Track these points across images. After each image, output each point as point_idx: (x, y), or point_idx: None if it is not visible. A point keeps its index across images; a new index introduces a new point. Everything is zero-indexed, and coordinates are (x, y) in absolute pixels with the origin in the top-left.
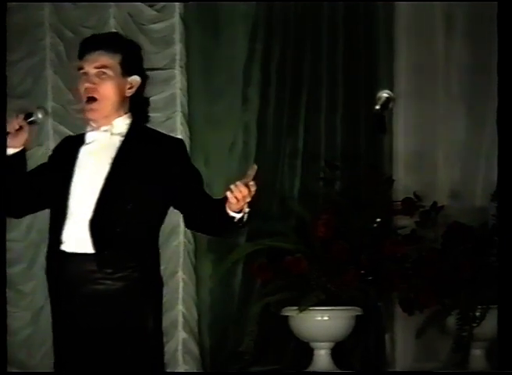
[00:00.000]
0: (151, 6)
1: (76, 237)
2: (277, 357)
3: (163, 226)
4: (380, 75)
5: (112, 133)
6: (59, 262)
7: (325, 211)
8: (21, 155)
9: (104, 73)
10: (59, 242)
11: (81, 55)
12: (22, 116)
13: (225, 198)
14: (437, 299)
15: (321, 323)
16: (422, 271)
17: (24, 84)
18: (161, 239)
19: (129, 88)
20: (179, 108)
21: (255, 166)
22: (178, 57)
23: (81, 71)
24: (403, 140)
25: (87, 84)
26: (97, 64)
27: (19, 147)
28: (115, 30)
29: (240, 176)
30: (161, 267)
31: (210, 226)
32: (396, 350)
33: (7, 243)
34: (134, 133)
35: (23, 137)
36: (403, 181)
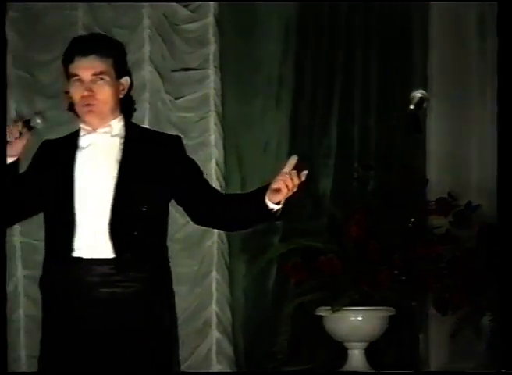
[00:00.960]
0: (185, 6)
1: (92, 243)
2: (310, 357)
3: (196, 227)
4: (414, 74)
5: (112, 135)
6: (72, 268)
7: (358, 211)
8: (16, 165)
9: (100, 78)
10: (70, 249)
11: (70, 60)
12: (21, 124)
13: (263, 190)
14: (470, 299)
15: (355, 323)
16: (456, 271)
17: (57, 84)
18: (194, 239)
19: (122, 90)
20: (212, 108)
21: (295, 157)
22: (212, 57)
23: (75, 77)
24: (436, 139)
25: (85, 93)
26: (93, 71)
27: (15, 156)
28: (148, 30)
29: (273, 177)
30: (195, 267)
31: (223, 221)
32: (430, 350)
33: (35, 243)
34: (132, 133)
35: (21, 144)
36: (437, 181)
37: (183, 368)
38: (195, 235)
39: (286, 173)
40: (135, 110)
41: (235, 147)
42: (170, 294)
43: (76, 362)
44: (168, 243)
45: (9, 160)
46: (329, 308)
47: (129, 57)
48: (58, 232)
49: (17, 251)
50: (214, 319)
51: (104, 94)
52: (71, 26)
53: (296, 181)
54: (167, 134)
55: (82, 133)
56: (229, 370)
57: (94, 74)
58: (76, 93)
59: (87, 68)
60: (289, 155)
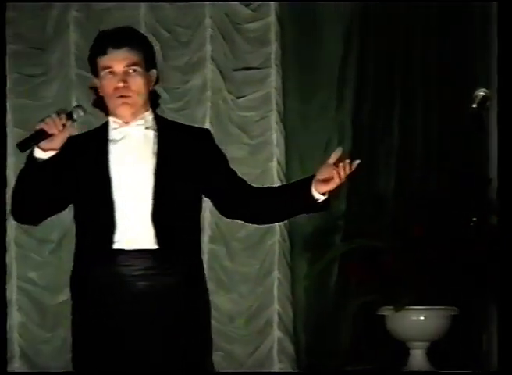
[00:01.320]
0: (246, 5)
1: (133, 235)
2: (372, 356)
3: (257, 226)
4: (476, 73)
5: (145, 128)
6: (113, 261)
7: (421, 210)
8: (54, 159)
9: (133, 70)
10: (111, 242)
11: (102, 53)
12: (64, 116)
13: (307, 180)
14: None
15: (417, 323)
16: None
17: None
18: (256, 238)
19: (151, 82)
20: (274, 107)
21: (341, 148)
22: (273, 56)
23: (108, 70)
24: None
25: (120, 84)
26: (127, 62)
27: (56, 149)
28: (210, 30)
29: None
30: (257, 266)
31: (255, 213)
32: (494, 350)
33: None
34: (163, 126)
35: (63, 138)
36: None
37: (244, 367)
38: (256, 234)
39: (333, 164)
40: (159, 105)
41: (296, 146)
42: (206, 291)
43: (111, 355)
44: (230, 242)
45: (50, 154)
46: (391, 307)
47: (190, 56)
48: (97, 225)
49: None
50: (275, 319)
51: (139, 85)
52: (134, 26)
53: (348, 171)
54: (196, 127)
55: (113, 126)
56: (290, 370)
57: (128, 66)
58: (109, 85)
59: (120, 60)
60: (350, 155)
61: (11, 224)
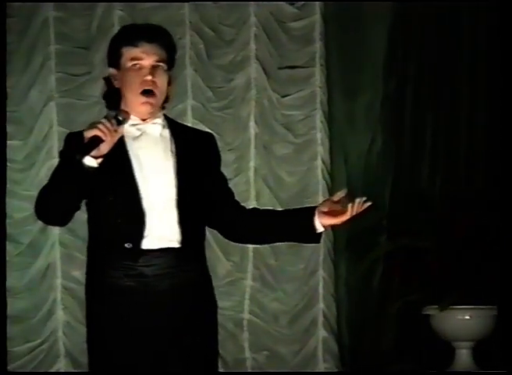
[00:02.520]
0: (291, 4)
1: (159, 234)
2: (417, 356)
3: None
4: None
5: (163, 126)
6: (131, 260)
7: (465, 210)
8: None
9: (160, 66)
10: (139, 241)
11: (132, 45)
12: (115, 121)
13: (311, 211)
14: None
15: (462, 322)
16: None
17: None
18: None
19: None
20: (318, 105)
21: (345, 190)
22: (318, 55)
23: (136, 62)
24: None
25: (148, 77)
26: (157, 58)
27: (104, 156)
28: (255, 28)
29: (379, 175)
30: (302, 266)
31: (241, 231)
32: None
33: None
34: (173, 125)
35: (113, 142)
36: None
37: (289, 367)
38: None
39: (361, 201)
40: (164, 107)
41: (340, 145)
42: (213, 291)
43: (131, 356)
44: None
45: (99, 161)
46: (436, 307)
47: (235, 54)
48: (124, 223)
49: None
50: (320, 318)
51: (163, 82)
52: (178, 25)
53: (360, 210)
54: (203, 131)
55: (130, 121)
56: (335, 369)
57: (157, 61)
58: (136, 78)
59: (152, 54)
60: (395, 154)
61: None
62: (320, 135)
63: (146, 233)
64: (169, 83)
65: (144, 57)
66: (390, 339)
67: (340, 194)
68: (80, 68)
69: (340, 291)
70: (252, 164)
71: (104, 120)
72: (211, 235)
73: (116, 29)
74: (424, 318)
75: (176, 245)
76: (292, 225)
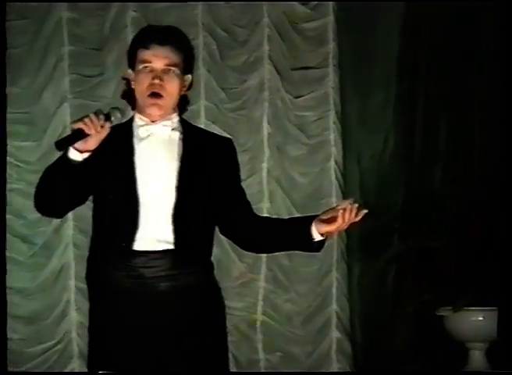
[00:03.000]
0: (304, 5)
1: (153, 236)
2: (431, 357)
3: None
4: None
5: (172, 129)
6: (132, 260)
7: (479, 211)
8: (88, 160)
9: (171, 70)
10: (132, 241)
11: (144, 46)
12: (103, 117)
13: (309, 218)
14: None
15: (476, 323)
16: None
17: None
18: None
19: (184, 86)
20: (332, 106)
21: (351, 200)
22: (331, 55)
23: (146, 64)
24: None
25: (156, 81)
26: (167, 61)
27: (91, 150)
28: (268, 29)
29: (392, 176)
30: (315, 266)
31: (251, 238)
32: None
33: None
34: (188, 129)
35: (99, 139)
36: None
37: (303, 367)
38: None
39: (353, 206)
40: (187, 110)
41: (354, 145)
42: (219, 292)
43: (130, 357)
44: None
45: (85, 155)
46: (450, 308)
47: (248, 55)
48: (119, 222)
49: None
50: (334, 319)
51: (173, 86)
52: (191, 26)
53: (353, 216)
54: (221, 136)
55: (139, 123)
56: (348, 370)
57: (167, 64)
58: (144, 80)
59: (161, 57)
60: (407, 155)
61: (67, 224)
62: (333, 136)
63: (139, 234)
64: (189, 87)
65: (154, 60)
66: (403, 340)
67: (344, 204)
68: (94, 69)
69: (354, 291)
70: (265, 165)
71: (92, 115)
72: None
73: (129, 30)
74: (437, 319)
75: (170, 247)
76: (291, 233)
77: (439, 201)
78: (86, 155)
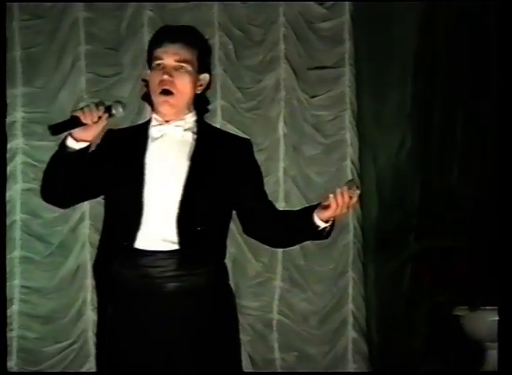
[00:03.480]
0: (320, 4)
1: (156, 235)
2: (447, 357)
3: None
4: None
5: (184, 129)
6: (132, 259)
7: (493, 211)
8: (87, 150)
9: (182, 67)
10: (133, 240)
11: (157, 45)
12: (102, 108)
13: (314, 207)
14: None
15: (493, 323)
16: None
17: None
18: (330, 238)
19: (200, 86)
20: (348, 106)
21: (353, 180)
22: (347, 55)
23: (158, 61)
24: None
25: (165, 77)
26: (178, 57)
27: (88, 141)
28: (284, 29)
29: (408, 175)
30: (331, 266)
31: (272, 235)
32: None
33: None
34: (204, 130)
35: (96, 130)
36: None
37: (319, 367)
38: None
39: (341, 189)
40: (208, 111)
41: (370, 145)
42: (230, 294)
43: (137, 357)
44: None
45: (81, 145)
46: (466, 307)
47: (264, 55)
48: (123, 220)
49: None
50: (350, 319)
51: (184, 83)
52: (207, 26)
53: (347, 199)
54: (238, 136)
55: (154, 123)
56: (364, 370)
57: (178, 61)
58: (156, 78)
59: (172, 53)
60: (424, 154)
61: (84, 224)
62: (349, 135)
63: (142, 233)
64: (208, 87)
65: (165, 57)
66: (420, 340)
67: (345, 186)
68: (110, 69)
69: (370, 291)
70: (281, 165)
71: (92, 104)
72: (241, 237)
73: (146, 30)
74: (453, 318)
75: (173, 249)
76: (298, 224)
77: (455, 200)
78: (83, 144)
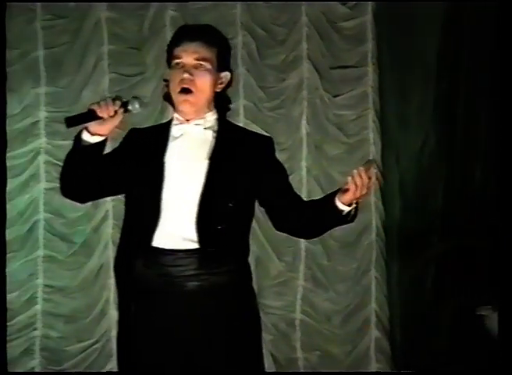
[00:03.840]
0: (343, 4)
1: (175, 234)
2: (471, 356)
3: (354, 225)
4: None
5: (204, 128)
6: (150, 258)
7: None
8: (102, 144)
9: (202, 65)
10: (150, 239)
11: (176, 44)
12: (119, 103)
13: (335, 192)
14: None
15: None
16: None
17: None
18: (353, 237)
19: (220, 84)
20: (371, 105)
21: (372, 160)
22: (370, 54)
23: (177, 60)
24: None
25: (185, 75)
26: (197, 56)
27: (104, 135)
28: (306, 28)
29: (432, 175)
30: (354, 265)
31: (302, 227)
32: None
33: None
34: (225, 129)
35: (112, 125)
36: None
37: (341, 367)
38: (353, 233)
39: (358, 171)
40: (229, 109)
41: (393, 144)
42: (251, 294)
43: (156, 356)
44: (327, 241)
45: (97, 139)
46: (490, 307)
47: (286, 54)
48: (142, 219)
49: None
50: (373, 318)
51: (203, 81)
52: (230, 25)
53: (365, 179)
54: (260, 134)
55: (175, 122)
56: (387, 370)
57: (197, 59)
58: (175, 76)
59: (191, 52)
60: (447, 154)
61: (107, 223)
62: (372, 135)
63: (159, 232)
64: (228, 85)
65: (184, 55)
66: (443, 339)
67: (364, 167)
68: (133, 68)
69: (393, 291)
70: (304, 164)
71: (108, 99)
72: (263, 236)
73: (168, 29)
74: (477, 318)
75: (193, 247)
76: (323, 211)
77: (478, 200)
78: (97, 138)
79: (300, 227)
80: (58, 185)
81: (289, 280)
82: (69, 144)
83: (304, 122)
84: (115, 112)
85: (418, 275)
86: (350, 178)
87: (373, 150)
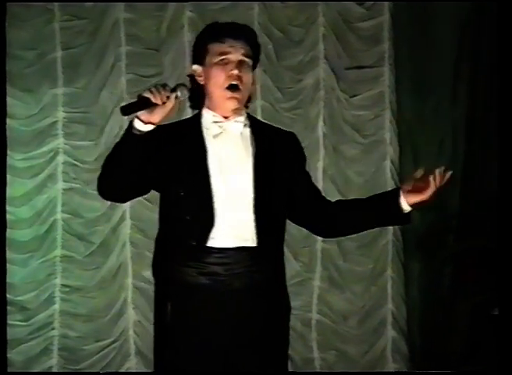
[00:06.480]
0: (360, 4)
1: (233, 233)
2: (488, 357)
3: None
4: None
5: (244, 125)
6: (200, 257)
7: None
8: (152, 134)
9: (246, 62)
10: (204, 239)
11: (218, 40)
12: (169, 89)
13: (389, 193)
14: None
15: None
16: None
17: None
18: (369, 237)
19: (254, 81)
20: (387, 105)
21: (442, 168)
22: (386, 55)
23: (222, 57)
24: None
25: (235, 71)
26: (244, 52)
27: (156, 123)
28: (323, 28)
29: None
30: (370, 266)
31: (336, 224)
32: None
33: None
34: (256, 124)
35: (164, 112)
36: None
37: (358, 367)
38: (369, 233)
39: (441, 172)
40: (248, 107)
41: (410, 145)
42: (286, 291)
43: (198, 355)
44: (344, 241)
45: (148, 127)
46: None
47: (303, 55)
48: (191, 220)
49: None
50: (389, 318)
51: (248, 78)
52: None
53: (441, 180)
54: (283, 129)
55: (211, 119)
56: (405, 370)
57: (244, 55)
58: (221, 73)
59: (238, 48)
60: (464, 154)
61: (125, 223)
62: (389, 135)
63: (215, 231)
64: (253, 83)
65: (232, 51)
66: (460, 339)
67: (421, 172)
68: (150, 69)
69: (411, 291)
70: (320, 164)
71: (158, 85)
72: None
73: (186, 30)
74: (495, 318)
75: (252, 245)
76: (379, 209)
77: (495, 201)
78: (149, 127)
79: (329, 225)
80: (76, 185)
81: (306, 280)
82: (87, 144)
83: (320, 122)
84: (168, 97)
85: (435, 275)
86: (431, 177)
87: (390, 150)
